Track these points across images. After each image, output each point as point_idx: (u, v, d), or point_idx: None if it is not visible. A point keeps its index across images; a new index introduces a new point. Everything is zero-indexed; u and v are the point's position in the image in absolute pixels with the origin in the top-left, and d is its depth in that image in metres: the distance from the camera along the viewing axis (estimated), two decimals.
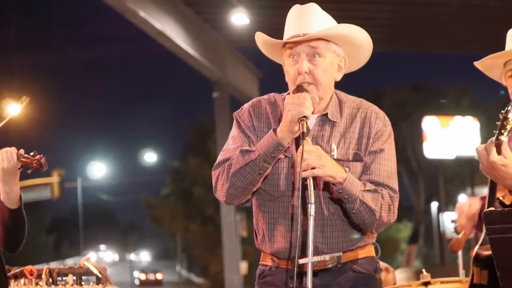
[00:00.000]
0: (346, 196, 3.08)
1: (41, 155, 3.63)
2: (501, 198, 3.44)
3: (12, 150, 3.61)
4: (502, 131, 3.18)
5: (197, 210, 35.95)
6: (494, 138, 3.21)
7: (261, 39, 3.30)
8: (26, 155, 3.63)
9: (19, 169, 3.63)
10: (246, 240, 21.38)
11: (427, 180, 39.81)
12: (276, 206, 3.22)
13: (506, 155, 3.19)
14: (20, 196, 3.69)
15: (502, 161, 3.19)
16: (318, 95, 3.19)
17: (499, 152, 3.19)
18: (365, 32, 3.26)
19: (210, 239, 34.28)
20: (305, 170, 2.98)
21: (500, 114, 3.20)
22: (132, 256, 67.35)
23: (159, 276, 48.25)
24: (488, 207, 3.39)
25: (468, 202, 3.67)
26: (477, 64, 3.67)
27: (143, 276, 48.57)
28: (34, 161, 3.62)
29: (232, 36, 17.65)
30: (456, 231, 4.78)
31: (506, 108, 3.20)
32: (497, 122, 3.21)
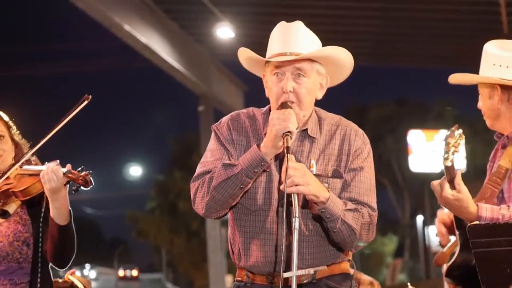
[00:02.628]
0: (328, 216, 3.08)
1: (88, 171, 3.56)
2: None
3: (58, 168, 3.54)
4: (446, 155, 3.24)
5: (182, 224, 35.87)
6: (442, 162, 3.25)
7: (245, 55, 3.30)
8: (73, 171, 3.55)
9: (64, 184, 3.58)
10: None
11: (413, 194, 39.88)
12: (253, 220, 3.20)
13: (459, 189, 3.25)
14: (70, 211, 3.65)
15: (454, 196, 3.24)
16: (300, 113, 3.20)
17: (453, 186, 3.23)
18: (349, 53, 3.27)
19: (195, 253, 34.21)
20: (290, 187, 2.98)
21: (443, 139, 3.26)
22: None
23: (134, 272, 53.31)
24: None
25: (448, 212, 3.69)
26: (451, 80, 3.65)
27: (121, 273, 54.45)
28: (80, 178, 3.55)
29: (217, 50, 17.66)
30: (441, 245, 4.77)
31: (446, 134, 3.25)
32: (442, 147, 3.26)
